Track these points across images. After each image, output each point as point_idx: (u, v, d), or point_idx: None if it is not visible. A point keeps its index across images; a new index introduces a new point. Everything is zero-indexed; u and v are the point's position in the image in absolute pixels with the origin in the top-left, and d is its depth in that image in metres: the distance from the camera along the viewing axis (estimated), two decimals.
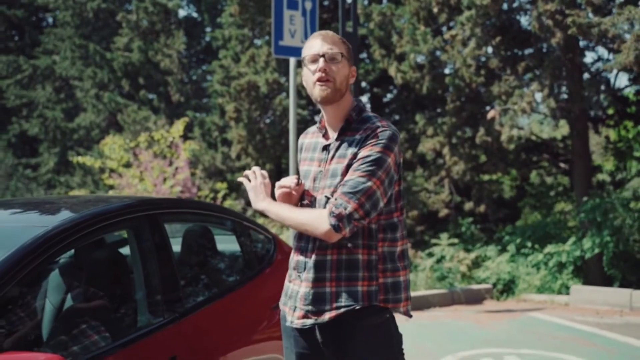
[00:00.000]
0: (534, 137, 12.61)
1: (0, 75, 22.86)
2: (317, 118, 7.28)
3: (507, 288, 9.65)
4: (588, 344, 6.19)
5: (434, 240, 11.04)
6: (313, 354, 2.22)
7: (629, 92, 11.78)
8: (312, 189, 2.22)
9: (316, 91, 2.17)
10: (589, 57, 33.24)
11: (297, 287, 2.19)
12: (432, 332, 6.91)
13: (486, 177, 12.75)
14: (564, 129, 14.33)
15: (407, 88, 12.72)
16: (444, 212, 11.88)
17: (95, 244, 2.92)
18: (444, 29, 11.61)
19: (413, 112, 12.88)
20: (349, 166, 2.12)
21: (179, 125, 11.85)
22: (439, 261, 10.32)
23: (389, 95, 14.63)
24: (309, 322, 2.14)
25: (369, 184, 2.05)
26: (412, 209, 11.90)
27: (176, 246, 3.22)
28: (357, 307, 2.10)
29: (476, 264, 10.21)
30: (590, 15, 7.89)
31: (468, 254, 10.21)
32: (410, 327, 7.15)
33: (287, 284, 2.29)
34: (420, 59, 11.11)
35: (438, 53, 10.94)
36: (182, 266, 3.23)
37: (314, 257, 2.14)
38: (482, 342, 6.32)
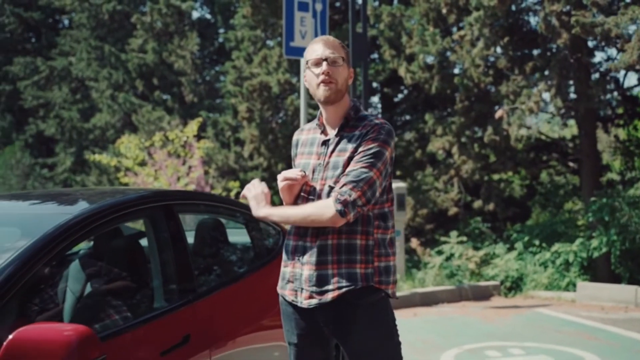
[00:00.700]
0: (543, 137, 12.70)
1: (17, 77, 23.28)
2: None
3: (515, 285, 9.75)
4: (591, 338, 6.32)
5: (443, 238, 11.16)
6: (314, 334, 2.40)
7: (639, 91, 11.84)
8: (310, 180, 2.40)
9: (320, 92, 2.35)
10: (599, 56, 33.13)
11: (299, 270, 2.36)
12: (439, 326, 7.06)
13: (496, 177, 12.86)
14: (573, 128, 14.39)
15: (417, 88, 12.87)
16: (453, 210, 12.01)
17: (115, 232, 3.13)
18: (454, 29, 11.75)
19: (423, 112, 13.02)
20: (350, 159, 2.31)
21: (193, 125, 12.08)
22: (448, 259, 10.45)
23: (400, 96, 14.78)
24: (314, 301, 2.32)
25: (370, 174, 2.26)
26: (422, 207, 12.04)
27: (189, 239, 3.40)
28: (357, 287, 2.28)
29: (485, 261, 10.32)
30: (596, 15, 8.00)
31: (477, 252, 10.33)
32: (418, 321, 7.33)
33: (284, 269, 2.46)
34: (430, 59, 11.26)
35: (447, 53, 11.09)
36: (196, 255, 3.42)
37: (317, 242, 2.31)
38: (487, 335, 6.47)
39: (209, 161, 14.25)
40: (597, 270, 9.75)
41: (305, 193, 2.38)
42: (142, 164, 12.12)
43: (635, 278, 9.31)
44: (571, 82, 9.75)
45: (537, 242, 10.28)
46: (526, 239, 10.39)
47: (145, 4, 20.49)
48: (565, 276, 9.55)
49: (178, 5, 18.06)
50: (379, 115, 14.12)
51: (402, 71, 11.22)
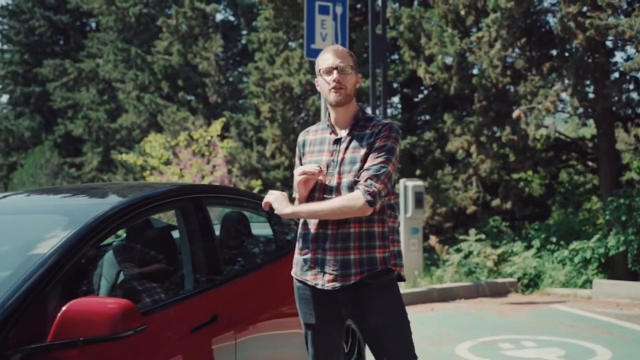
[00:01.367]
0: (562, 136, 12.78)
1: (47, 78, 23.90)
2: None
3: (533, 283, 9.87)
4: (604, 332, 6.46)
5: (462, 237, 11.31)
6: (331, 315, 2.67)
7: None
8: (324, 175, 2.66)
9: (331, 97, 2.64)
10: (618, 56, 32.85)
11: (321, 256, 2.62)
12: (455, 320, 7.26)
13: (516, 176, 12.97)
14: (593, 128, 14.42)
15: (436, 88, 13.05)
16: (471, 209, 12.16)
17: (146, 223, 3.40)
18: (472, 30, 11.91)
19: (442, 112, 13.20)
20: (366, 155, 2.58)
21: (217, 125, 12.41)
22: (466, 257, 10.60)
23: (419, 96, 14.96)
24: (338, 284, 2.58)
25: (388, 168, 2.56)
26: (441, 206, 12.21)
27: (216, 231, 3.66)
28: (377, 270, 2.57)
29: (503, 259, 10.46)
30: (611, 17, 8.12)
31: (495, 250, 10.47)
32: (435, 316, 7.53)
33: (303, 256, 2.68)
34: (449, 60, 11.44)
35: (466, 54, 11.26)
36: (221, 246, 3.68)
37: (338, 230, 2.58)
38: (502, 329, 6.65)
39: (232, 160, 14.58)
40: (614, 268, 9.84)
41: (320, 186, 2.64)
42: (167, 163, 12.48)
43: None
44: (588, 82, 9.86)
45: (554, 240, 10.39)
46: (544, 236, 10.50)
47: (171, 7, 20.93)
48: (582, 274, 9.65)
49: (202, 8, 18.45)
50: (399, 116, 14.24)
51: (421, 72, 11.42)
